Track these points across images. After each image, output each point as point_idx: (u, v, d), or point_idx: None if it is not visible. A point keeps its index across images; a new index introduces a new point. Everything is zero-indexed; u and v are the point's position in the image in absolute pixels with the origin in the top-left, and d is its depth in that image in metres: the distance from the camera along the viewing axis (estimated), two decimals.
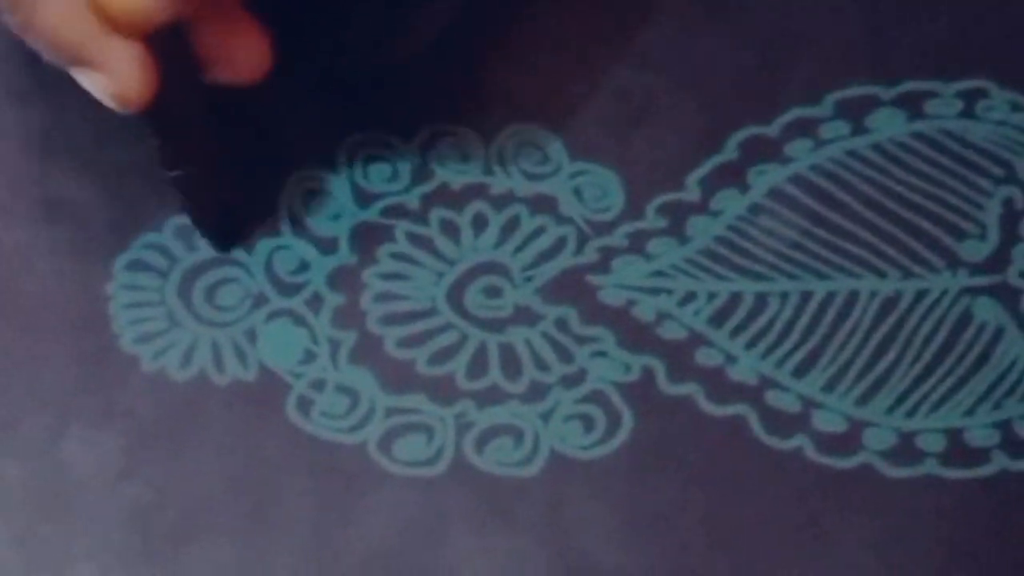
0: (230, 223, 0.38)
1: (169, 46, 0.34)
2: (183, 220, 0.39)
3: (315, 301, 0.38)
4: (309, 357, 0.38)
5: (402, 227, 0.39)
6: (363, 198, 0.39)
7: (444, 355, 0.38)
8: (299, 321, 0.38)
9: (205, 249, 0.39)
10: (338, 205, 0.39)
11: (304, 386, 0.38)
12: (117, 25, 0.34)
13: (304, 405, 0.37)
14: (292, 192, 0.39)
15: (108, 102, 0.35)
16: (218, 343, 0.38)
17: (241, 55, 0.36)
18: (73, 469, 0.37)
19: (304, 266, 0.39)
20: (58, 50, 0.35)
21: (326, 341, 0.38)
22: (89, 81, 0.35)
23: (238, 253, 0.39)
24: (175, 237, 0.39)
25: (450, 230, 0.39)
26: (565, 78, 0.40)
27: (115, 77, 0.34)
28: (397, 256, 0.39)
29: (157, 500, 0.36)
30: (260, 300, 0.38)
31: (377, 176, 0.40)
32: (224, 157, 0.37)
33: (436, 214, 0.39)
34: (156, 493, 0.36)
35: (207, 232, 0.38)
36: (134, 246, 0.39)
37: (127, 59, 0.34)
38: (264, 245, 0.39)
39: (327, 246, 0.39)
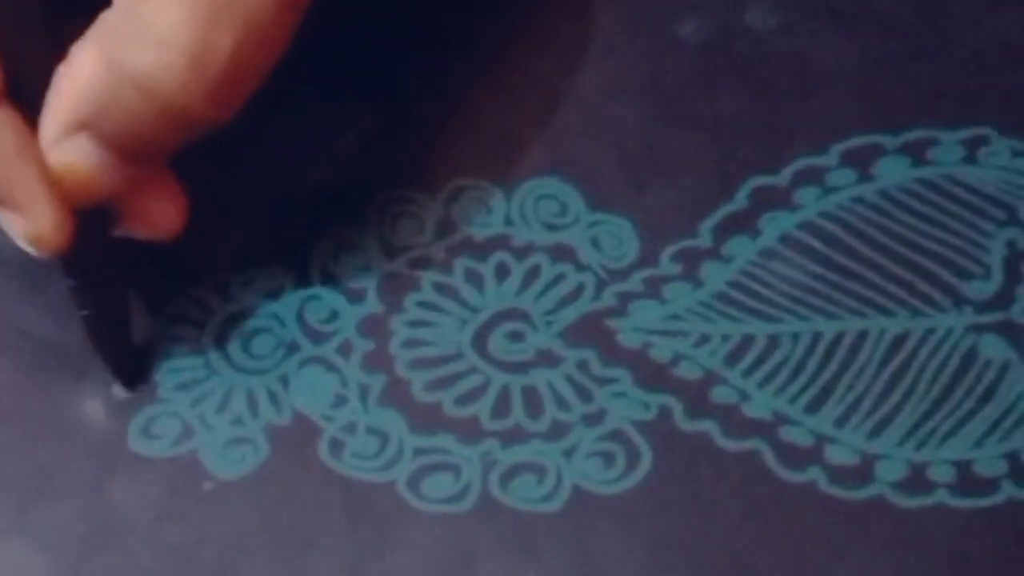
0: (135, 362, 0.40)
1: None
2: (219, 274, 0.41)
3: (345, 348, 0.40)
4: (340, 401, 0.39)
5: (428, 277, 0.41)
6: (390, 251, 0.41)
7: (469, 397, 0.39)
8: (330, 367, 0.40)
9: (238, 301, 0.41)
10: (367, 258, 0.41)
11: (336, 429, 0.39)
12: (67, 192, 0.35)
13: (336, 447, 0.39)
14: (323, 248, 0.41)
15: (24, 244, 0.36)
16: (252, 389, 0.40)
17: (157, 213, 0.38)
18: (118, 509, 0.38)
19: (334, 315, 0.40)
20: None
21: (356, 386, 0.40)
22: (7, 221, 0.36)
23: (271, 305, 0.40)
24: (212, 292, 0.41)
25: (474, 279, 0.41)
26: (581, 132, 0.42)
27: (34, 222, 0.36)
28: (423, 304, 0.41)
29: (197, 539, 0.38)
30: (293, 348, 0.40)
31: (404, 230, 0.41)
32: (124, 306, 0.39)
33: (460, 264, 0.41)
34: (196, 532, 0.38)
35: (112, 368, 0.39)
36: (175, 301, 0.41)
37: (48, 207, 0.35)
38: (296, 297, 0.41)
39: (356, 296, 0.41)
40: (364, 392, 0.39)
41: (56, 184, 0.36)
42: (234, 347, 0.40)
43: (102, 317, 0.39)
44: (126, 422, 0.39)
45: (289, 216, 0.41)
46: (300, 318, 0.40)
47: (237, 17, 0.35)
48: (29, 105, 0.36)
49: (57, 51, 0.36)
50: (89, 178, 0.36)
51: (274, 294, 0.41)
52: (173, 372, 0.40)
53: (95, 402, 0.39)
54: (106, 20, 0.36)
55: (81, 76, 0.35)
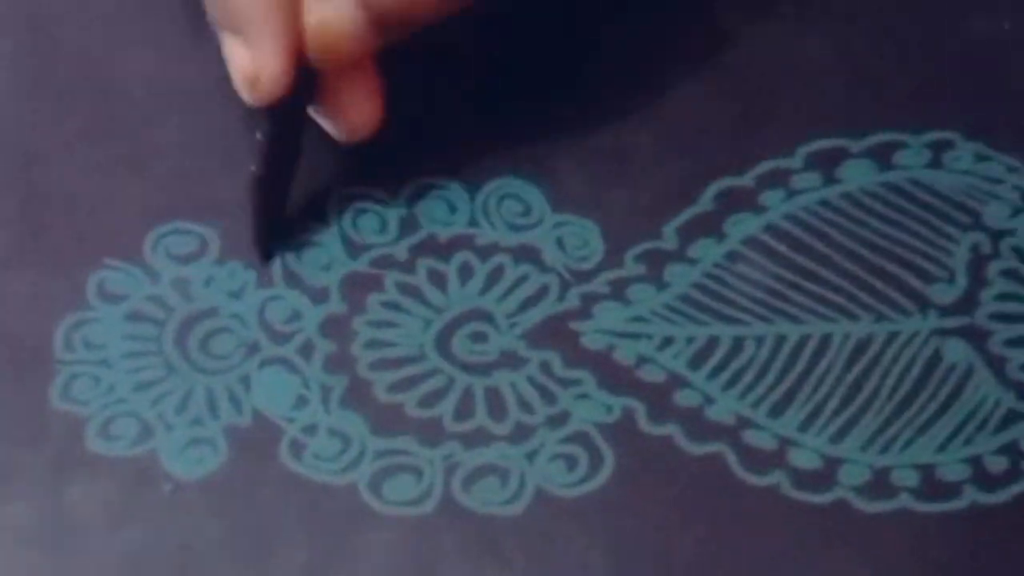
0: (278, 238, 0.40)
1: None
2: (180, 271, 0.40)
3: (307, 348, 0.40)
4: (301, 402, 0.39)
5: (391, 277, 0.41)
6: (353, 249, 0.41)
7: (432, 399, 0.39)
8: (291, 368, 0.39)
9: (199, 300, 0.40)
10: (329, 256, 0.41)
11: (297, 430, 0.39)
12: (311, 46, 0.36)
13: (297, 448, 0.38)
14: (284, 244, 0.41)
15: (239, 82, 0.36)
16: (212, 390, 0.39)
17: (354, 111, 0.38)
18: (75, 510, 0.38)
19: (296, 315, 0.40)
20: (226, 12, 0.36)
21: (318, 387, 0.39)
22: (233, 53, 0.36)
23: (232, 304, 0.40)
24: (172, 290, 0.40)
25: (437, 279, 0.41)
26: (544, 132, 0.42)
27: (261, 62, 0.36)
28: (386, 304, 0.40)
29: (155, 540, 0.37)
30: (253, 348, 0.40)
31: (366, 228, 0.41)
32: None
33: (423, 264, 0.41)
34: (154, 533, 0.37)
35: (259, 237, 0.40)
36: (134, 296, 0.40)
37: (282, 52, 0.36)
38: (257, 296, 0.40)
39: (318, 295, 0.40)
40: (326, 393, 0.39)
41: (301, 34, 0.36)
42: (194, 347, 0.40)
43: (273, 181, 0.39)
44: (84, 422, 0.39)
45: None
46: (261, 318, 0.40)
47: None
48: None
49: None
50: (340, 38, 0.36)
51: (235, 293, 0.40)
52: (132, 372, 0.39)
53: (53, 401, 0.39)
54: None
55: None
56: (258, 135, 0.38)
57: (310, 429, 0.39)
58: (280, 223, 0.40)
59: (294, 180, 0.40)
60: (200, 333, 0.40)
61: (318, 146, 0.42)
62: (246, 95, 0.37)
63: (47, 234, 0.41)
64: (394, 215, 0.41)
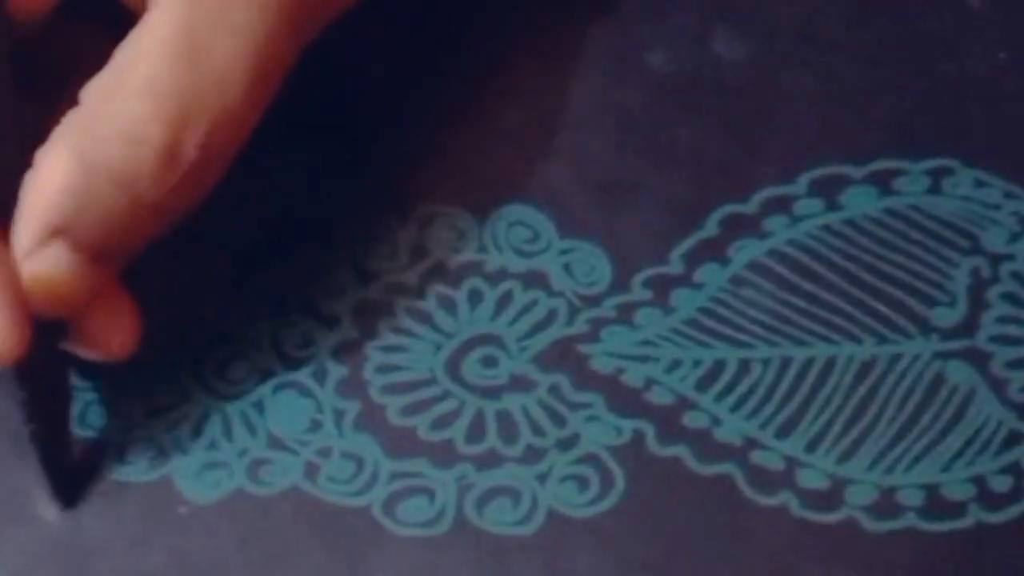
0: (74, 480, 0.39)
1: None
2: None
3: (320, 373, 0.40)
4: (315, 426, 0.40)
5: (401, 302, 0.41)
6: (364, 277, 0.41)
7: (444, 422, 0.40)
8: (305, 392, 0.40)
9: (213, 326, 0.41)
10: (341, 284, 0.41)
11: (311, 453, 0.39)
12: (36, 302, 0.35)
13: (311, 471, 0.39)
14: (295, 274, 0.41)
15: None
16: (227, 414, 0.40)
17: (108, 334, 0.37)
18: (92, 534, 0.38)
19: (309, 341, 0.41)
20: None
21: (331, 410, 0.40)
22: None
23: (246, 330, 0.41)
24: None
25: (447, 305, 0.41)
26: (552, 160, 0.43)
27: None
28: (397, 330, 0.41)
29: (171, 563, 0.38)
30: (267, 373, 0.40)
31: (377, 256, 0.42)
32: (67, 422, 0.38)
33: (433, 290, 0.41)
34: (170, 556, 0.38)
35: (52, 484, 0.38)
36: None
37: (7, 317, 0.34)
38: (270, 322, 0.41)
39: (331, 322, 0.41)
40: (339, 417, 0.40)
41: (22, 294, 0.35)
42: (208, 372, 0.40)
43: (48, 431, 0.38)
44: (100, 447, 0.39)
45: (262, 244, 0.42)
46: (275, 344, 0.41)
47: (206, 109, 0.35)
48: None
49: (25, 157, 0.35)
50: (63, 287, 0.35)
51: (249, 320, 0.41)
52: (147, 397, 0.40)
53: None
54: (73, 119, 0.35)
55: (53, 178, 0.34)
56: (20, 394, 0.37)
57: (324, 452, 0.39)
58: (72, 464, 0.39)
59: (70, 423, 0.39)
60: (215, 359, 0.40)
61: (327, 175, 0.42)
62: None
63: None
64: (404, 242, 0.42)
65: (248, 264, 0.41)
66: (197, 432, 0.39)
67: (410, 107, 0.43)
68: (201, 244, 0.41)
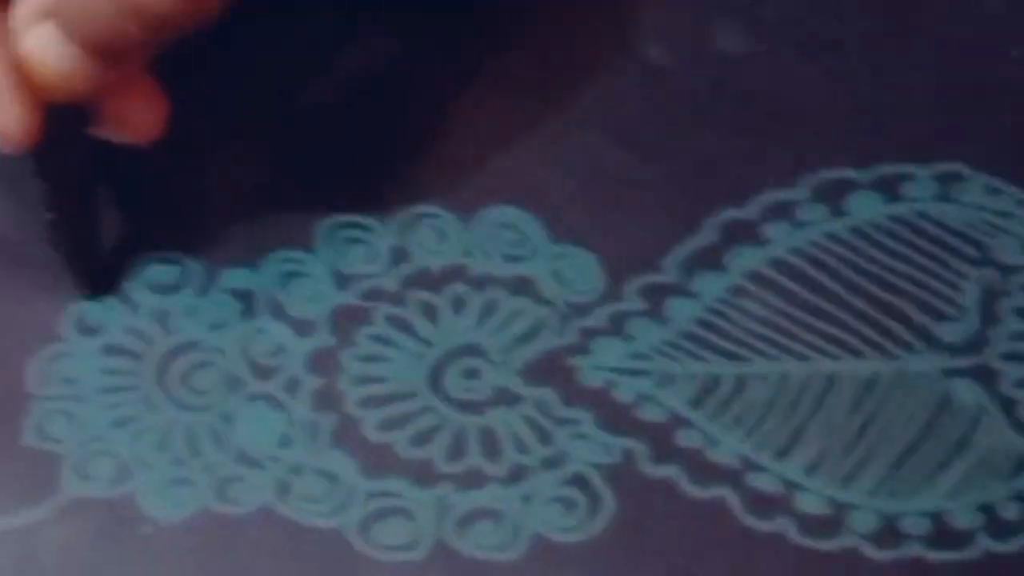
0: (101, 271, 0.39)
1: None
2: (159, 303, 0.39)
3: (293, 384, 0.38)
4: (287, 441, 0.37)
5: (381, 309, 0.39)
6: (341, 280, 0.39)
7: (424, 438, 0.37)
8: (276, 405, 0.38)
9: (180, 332, 0.38)
10: (316, 287, 0.39)
11: (282, 471, 0.37)
12: (38, 86, 0.34)
13: (282, 490, 0.37)
14: (269, 274, 0.39)
15: None
16: (194, 427, 0.37)
17: (136, 117, 0.37)
18: (48, 554, 0.36)
19: (281, 349, 0.38)
20: None
21: (304, 424, 0.38)
22: None
23: (215, 337, 0.38)
24: (152, 321, 0.39)
25: (429, 312, 0.39)
26: (543, 160, 0.41)
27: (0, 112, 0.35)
28: (376, 338, 0.39)
29: None
30: (236, 383, 0.38)
31: (355, 258, 0.39)
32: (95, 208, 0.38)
33: (415, 296, 0.39)
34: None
35: (75, 275, 0.38)
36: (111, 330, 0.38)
37: (13, 99, 0.35)
38: (241, 328, 0.38)
39: (305, 329, 0.39)
40: (313, 431, 0.37)
41: (25, 77, 0.35)
42: (174, 381, 0.38)
43: (70, 221, 0.37)
44: (59, 461, 0.37)
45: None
46: (245, 352, 0.38)
47: None
48: None
49: None
50: (58, 71, 0.35)
51: (218, 325, 0.39)
52: (109, 408, 0.38)
53: (27, 439, 0.37)
54: None
55: None
56: (38, 181, 0.37)
57: (296, 469, 0.37)
58: (99, 258, 0.39)
59: (98, 213, 0.39)
60: (181, 367, 0.38)
61: (305, 171, 0.40)
62: (4, 149, 0.35)
63: (23, 263, 0.39)
64: (384, 245, 0.40)
65: (216, 260, 0.39)
66: (162, 446, 0.37)
67: (393, 101, 0.41)
68: (169, 237, 0.39)
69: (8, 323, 0.38)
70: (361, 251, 0.40)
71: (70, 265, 0.38)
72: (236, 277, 0.39)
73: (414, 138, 0.41)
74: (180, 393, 0.38)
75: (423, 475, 0.37)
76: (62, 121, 0.35)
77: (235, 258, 0.39)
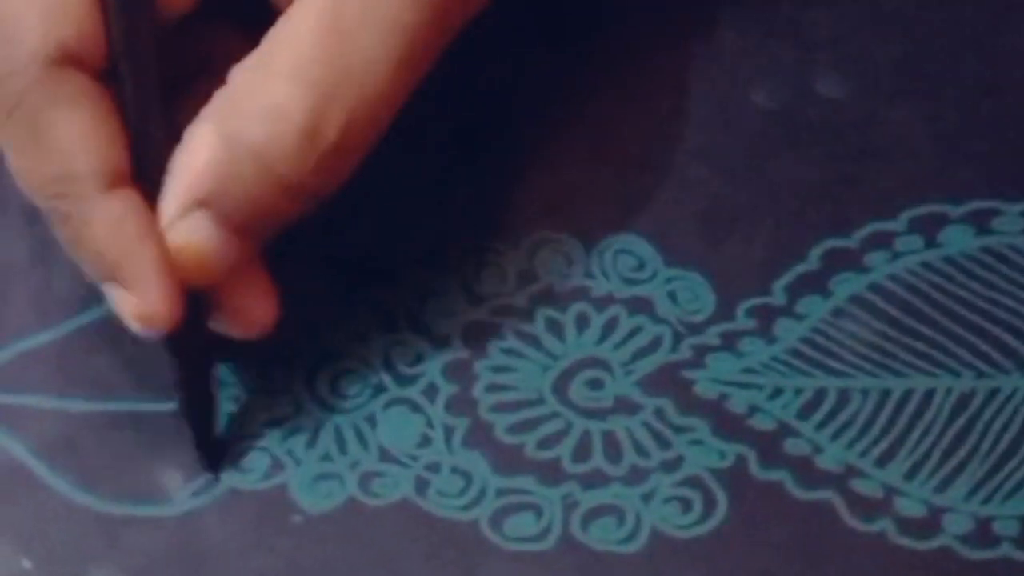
0: (220, 446, 0.41)
1: None
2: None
3: (431, 390, 0.41)
4: (425, 441, 0.41)
5: (510, 324, 0.42)
6: (474, 299, 0.43)
7: (551, 441, 0.41)
8: (416, 408, 0.41)
9: (327, 342, 0.42)
10: (452, 305, 0.42)
11: (421, 468, 0.40)
12: (181, 269, 0.36)
13: (421, 485, 0.40)
14: (407, 294, 0.43)
15: (131, 322, 0.37)
16: (340, 427, 0.41)
17: (252, 307, 0.38)
18: (209, 538, 0.39)
19: (420, 358, 0.42)
20: (97, 266, 0.37)
21: (441, 427, 0.41)
22: (118, 298, 0.37)
23: (359, 347, 0.42)
24: (301, 332, 0.42)
25: (555, 328, 0.42)
26: (658, 192, 0.44)
27: (146, 300, 0.36)
28: (506, 351, 0.42)
29: (285, 569, 0.39)
30: (379, 389, 0.41)
31: (488, 279, 0.43)
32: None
33: (542, 313, 0.42)
34: (284, 562, 0.39)
35: (202, 451, 0.40)
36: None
37: (161, 286, 0.36)
38: (383, 340, 0.42)
39: (441, 341, 0.42)
40: (449, 433, 0.41)
41: (172, 264, 0.36)
42: (323, 386, 0.41)
43: (196, 399, 0.40)
44: (219, 456, 0.40)
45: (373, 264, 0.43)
46: (387, 361, 0.42)
47: (349, 95, 0.36)
48: (150, 185, 0.37)
49: (174, 132, 0.37)
50: (206, 257, 0.36)
51: (361, 337, 0.42)
52: (264, 409, 0.41)
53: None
54: (220, 97, 0.37)
55: (199, 154, 0.36)
56: (170, 362, 0.39)
57: (434, 467, 0.40)
58: (215, 434, 0.40)
59: (218, 392, 0.40)
60: (328, 374, 0.42)
61: (440, 201, 0.44)
62: (142, 332, 0.37)
63: None
64: (514, 267, 0.43)
65: (361, 279, 0.42)
66: (311, 444, 0.41)
67: (524, 133, 0.45)
68: (317, 256, 0.43)
69: None
70: (492, 272, 0.43)
71: (200, 440, 0.40)
72: (380, 293, 0.42)
73: (543, 169, 0.44)
74: (328, 397, 0.41)
75: (551, 474, 0.40)
76: (196, 304, 0.37)
77: (377, 274, 0.43)
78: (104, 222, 0.36)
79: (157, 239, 0.36)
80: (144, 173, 0.37)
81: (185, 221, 0.36)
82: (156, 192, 0.37)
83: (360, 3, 0.36)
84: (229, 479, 0.40)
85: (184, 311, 0.37)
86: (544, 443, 0.41)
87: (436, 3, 0.37)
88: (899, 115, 0.45)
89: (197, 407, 0.40)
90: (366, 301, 0.42)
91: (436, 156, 0.44)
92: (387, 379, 0.42)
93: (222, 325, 0.39)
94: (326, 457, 0.40)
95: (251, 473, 0.40)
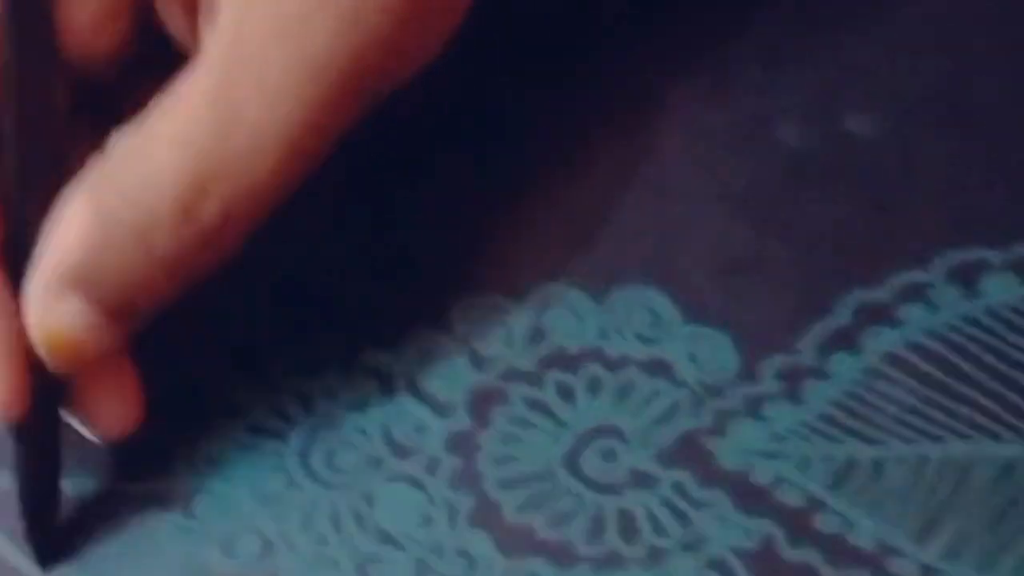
0: (56, 541, 0.37)
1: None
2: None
3: (432, 464, 0.38)
4: (427, 521, 0.38)
5: (517, 390, 0.39)
6: (478, 361, 0.40)
7: (562, 519, 0.38)
8: (416, 484, 0.38)
9: (322, 412, 0.39)
10: (453, 368, 0.40)
11: (422, 550, 0.38)
12: (41, 351, 0.33)
13: (422, 569, 0.37)
14: (406, 355, 0.40)
15: None
16: (336, 506, 0.38)
17: (109, 408, 0.35)
18: None
19: (421, 429, 0.39)
20: None
21: (444, 504, 0.38)
22: None
23: (356, 417, 0.39)
24: (294, 401, 0.39)
25: (565, 393, 0.39)
26: (675, 239, 0.41)
27: None
28: (513, 419, 0.39)
29: None
30: (377, 463, 0.38)
31: (492, 339, 0.40)
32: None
33: (551, 377, 0.40)
34: None
35: (33, 544, 0.37)
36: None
37: (9, 372, 0.33)
38: (381, 409, 0.39)
39: (443, 409, 0.39)
40: (452, 511, 0.38)
41: (25, 351, 0.33)
42: (317, 460, 0.39)
43: (36, 489, 0.36)
44: (204, 537, 0.38)
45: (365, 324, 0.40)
46: (386, 432, 0.39)
47: (233, 170, 0.33)
48: (15, 261, 0.34)
49: (49, 201, 0.34)
50: (73, 342, 0.33)
51: (359, 405, 0.39)
52: (254, 485, 0.38)
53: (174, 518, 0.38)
54: (97, 167, 0.34)
55: (71, 229, 0.33)
56: (17, 448, 0.36)
57: (437, 549, 0.38)
58: (55, 526, 0.37)
59: (60, 479, 0.37)
60: (323, 446, 0.39)
61: (440, 254, 0.41)
62: None
63: None
64: (521, 325, 0.40)
65: (357, 340, 0.40)
66: (306, 524, 0.38)
67: (529, 180, 0.42)
68: (308, 317, 0.40)
69: None
70: (498, 332, 0.40)
71: (30, 532, 0.36)
72: (376, 356, 0.40)
73: (546, 218, 0.41)
74: (323, 472, 0.38)
75: (562, 556, 0.37)
76: (47, 392, 0.35)
77: (374, 335, 0.40)
78: None
79: (7, 314, 0.33)
80: (13, 246, 0.34)
81: (56, 304, 0.33)
82: (22, 267, 0.34)
83: (256, 72, 0.33)
84: (216, 563, 0.37)
85: (31, 401, 0.34)
86: (554, 522, 0.38)
87: (343, 78, 0.34)
88: (930, 156, 0.42)
89: (35, 495, 0.36)
90: (362, 365, 0.40)
91: (435, 207, 0.41)
92: (385, 452, 0.39)
93: (76, 420, 0.36)
94: (322, 540, 0.38)
95: (239, 558, 0.37)
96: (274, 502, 0.38)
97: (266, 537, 0.38)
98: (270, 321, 0.40)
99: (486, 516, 0.38)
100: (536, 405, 0.39)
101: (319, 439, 0.39)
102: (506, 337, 0.40)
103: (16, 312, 0.34)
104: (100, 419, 0.36)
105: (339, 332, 0.40)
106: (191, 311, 0.36)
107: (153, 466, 0.38)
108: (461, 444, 0.39)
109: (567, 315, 0.40)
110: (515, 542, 0.38)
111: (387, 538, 0.38)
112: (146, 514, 0.38)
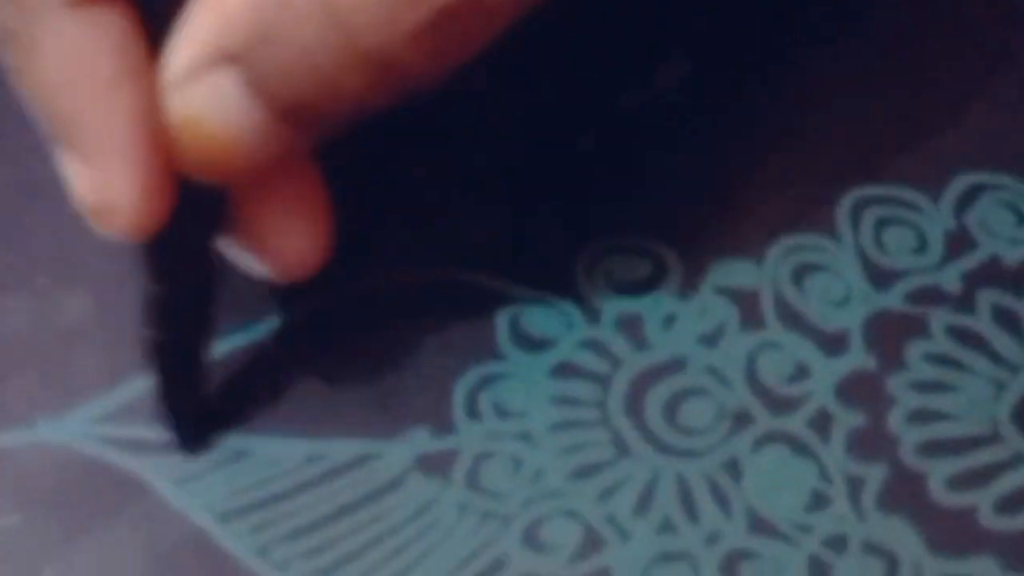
0: (204, 422, 0.28)
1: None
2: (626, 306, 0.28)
3: (821, 420, 0.27)
4: (819, 502, 0.26)
5: (938, 317, 0.28)
6: (878, 276, 0.28)
7: (1013, 500, 0.26)
8: (800, 450, 0.27)
9: (656, 347, 0.28)
10: (844, 286, 0.28)
11: (816, 544, 0.26)
12: (182, 152, 0.24)
13: (819, 569, 0.26)
14: (780, 269, 0.28)
15: (82, 207, 0.24)
16: (686, 479, 0.27)
17: (285, 240, 0.26)
18: None
19: (803, 371, 0.28)
20: (47, 115, 0.24)
21: (842, 478, 0.27)
22: (71, 170, 0.24)
23: (704, 355, 0.28)
24: (616, 335, 0.28)
25: (1008, 322, 0.28)
26: None
27: (105, 180, 0.24)
28: (935, 359, 0.28)
29: None
30: (743, 419, 0.27)
31: (897, 246, 0.28)
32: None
33: (986, 299, 0.28)
34: None
35: (174, 424, 0.27)
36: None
37: (132, 163, 0.24)
38: (743, 342, 0.28)
39: (832, 344, 0.28)
40: (855, 489, 0.26)
41: (164, 138, 0.24)
42: (655, 416, 0.27)
43: (179, 346, 0.27)
44: (503, 523, 0.27)
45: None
46: (751, 375, 0.28)
47: None
48: (154, 15, 0.24)
49: None
50: (227, 135, 0.24)
51: (710, 338, 0.28)
52: (567, 452, 0.27)
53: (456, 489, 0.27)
54: None
55: None
56: (144, 284, 0.26)
57: (836, 543, 0.26)
58: (202, 402, 0.27)
59: (211, 342, 0.27)
60: (662, 396, 0.28)
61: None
62: (101, 227, 0.25)
63: None
64: (936, 228, 0.29)
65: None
66: (642, 507, 0.27)
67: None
68: None
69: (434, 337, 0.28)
70: (905, 236, 0.29)
71: (168, 404, 0.27)
72: (732, 272, 0.28)
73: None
74: (664, 432, 0.27)
75: (1019, 555, 0.26)
76: (198, 207, 0.25)
77: (723, 246, 0.29)
78: (58, 50, 0.24)
79: (140, 92, 0.24)
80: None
81: (202, 80, 0.24)
82: (163, 28, 0.24)
83: None
84: (519, 559, 0.26)
85: (171, 210, 0.24)
86: (1003, 504, 0.26)
87: None
88: None
89: (179, 369, 0.27)
90: (711, 283, 0.28)
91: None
92: (753, 403, 0.27)
93: (239, 254, 0.26)
94: (668, 527, 0.26)
95: (556, 550, 0.26)
96: (595, 474, 0.27)
97: (591, 526, 0.27)
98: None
99: (906, 496, 0.26)
100: (967, 338, 0.28)
101: (655, 385, 0.28)
102: (917, 244, 0.29)
103: (152, 87, 0.24)
104: (273, 250, 0.26)
105: (672, 241, 0.29)
106: None
107: None
108: (861, 392, 0.27)
109: (1001, 211, 0.29)
110: (950, 533, 0.26)
111: (762, 526, 0.26)
112: None
